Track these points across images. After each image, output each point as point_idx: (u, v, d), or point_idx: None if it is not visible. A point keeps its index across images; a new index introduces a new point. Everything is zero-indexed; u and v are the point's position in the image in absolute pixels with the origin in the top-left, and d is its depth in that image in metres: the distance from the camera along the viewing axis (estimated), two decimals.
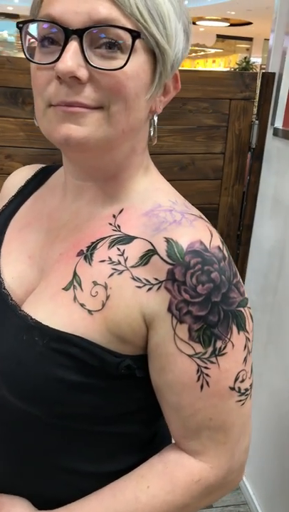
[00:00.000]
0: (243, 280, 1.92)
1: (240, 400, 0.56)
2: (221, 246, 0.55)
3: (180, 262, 0.52)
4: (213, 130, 1.73)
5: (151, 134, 0.64)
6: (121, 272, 0.55)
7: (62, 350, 0.55)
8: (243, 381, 0.56)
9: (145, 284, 0.54)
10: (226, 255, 0.55)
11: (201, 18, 7.61)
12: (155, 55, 0.56)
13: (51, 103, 0.54)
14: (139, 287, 0.54)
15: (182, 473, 0.56)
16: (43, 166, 0.81)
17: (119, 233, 0.58)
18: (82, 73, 0.52)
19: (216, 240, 0.55)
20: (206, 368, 0.53)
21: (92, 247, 0.59)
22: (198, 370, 0.53)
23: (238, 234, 1.88)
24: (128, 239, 0.57)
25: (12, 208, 0.73)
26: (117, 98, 0.53)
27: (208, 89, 1.68)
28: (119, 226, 0.59)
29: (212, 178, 1.79)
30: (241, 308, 0.55)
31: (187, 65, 11.88)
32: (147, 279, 0.53)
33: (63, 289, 0.58)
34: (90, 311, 0.56)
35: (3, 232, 0.71)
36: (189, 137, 1.72)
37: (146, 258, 0.54)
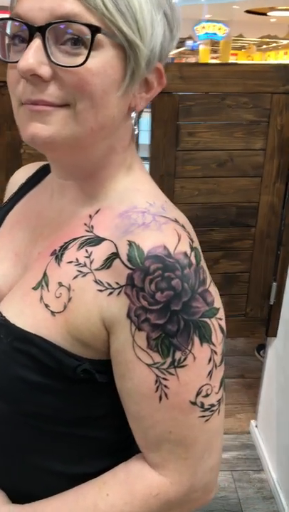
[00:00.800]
0: (283, 282, 1.84)
1: (204, 416, 0.52)
2: (188, 252, 0.52)
3: (139, 267, 0.50)
4: (253, 126, 1.67)
5: (135, 131, 0.62)
6: (85, 275, 0.55)
7: (24, 350, 0.56)
8: (206, 396, 0.52)
9: (107, 288, 0.52)
10: (193, 262, 0.51)
11: (272, 9, 7.33)
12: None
13: (21, 101, 0.54)
14: (100, 291, 0.53)
15: (142, 485, 0.55)
16: (46, 163, 0.81)
17: (91, 234, 0.57)
18: (44, 71, 0.51)
19: (183, 246, 0.52)
20: (164, 379, 0.51)
21: (64, 247, 0.58)
22: (156, 381, 0.51)
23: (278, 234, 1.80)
24: (97, 240, 0.56)
25: (10, 205, 0.75)
26: (82, 95, 0.52)
27: (249, 83, 1.62)
28: (92, 227, 0.58)
29: (252, 176, 1.73)
30: (206, 319, 0.51)
31: (257, 58, 11.48)
32: (109, 282, 0.52)
33: (33, 288, 0.59)
34: (53, 313, 0.56)
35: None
36: (228, 133, 1.68)
37: (109, 261, 0.53)
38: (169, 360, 0.50)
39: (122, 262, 0.51)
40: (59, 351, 0.55)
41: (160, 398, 0.51)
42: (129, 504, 0.54)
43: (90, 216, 0.59)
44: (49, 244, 0.62)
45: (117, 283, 0.52)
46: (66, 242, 0.59)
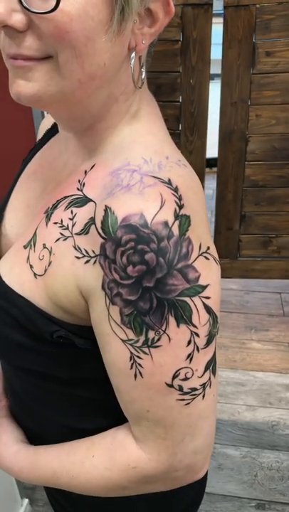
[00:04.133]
0: None
1: (183, 399, 0.49)
2: (169, 221, 0.45)
3: (111, 237, 0.45)
4: None
5: (142, 75, 0.53)
6: (66, 238, 0.51)
7: (6, 309, 0.55)
8: (186, 379, 0.48)
9: (84, 256, 0.48)
10: (175, 233, 0.45)
11: None
12: None
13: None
14: (77, 258, 0.50)
15: (122, 455, 0.55)
16: None
17: (79, 194, 0.52)
18: (16, 19, 0.43)
19: (165, 213, 0.45)
20: (138, 357, 0.48)
21: (55, 205, 0.55)
22: (131, 358, 0.48)
23: None
24: (84, 201, 0.51)
25: (33, 153, 0.71)
26: (62, 45, 0.44)
27: None
28: (84, 185, 0.52)
29: None
30: (185, 298, 0.46)
31: None
32: (87, 250, 0.49)
33: (23, 246, 0.57)
34: (35, 275, 0.54)
35: (19, 177, 0.70)
36: None
37: (87, 226, 0.48)
38: (142, 338, 0.47)
39: (97, 230, 0.47)
40: (38, 315, 0.53)
41: (135, 376, 0.48)
42: (109, 470, 0.55)
43: (85, 172, 0.53)
44: (48, 199, 0.58)
45: (93, 251, 0.47)
46: (58, 200, 0.54)
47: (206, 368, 0.50)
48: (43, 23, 0.43)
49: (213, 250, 0.50)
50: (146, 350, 0.47)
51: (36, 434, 0.68)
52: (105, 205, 0.47)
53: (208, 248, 0.49)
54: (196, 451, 0.53)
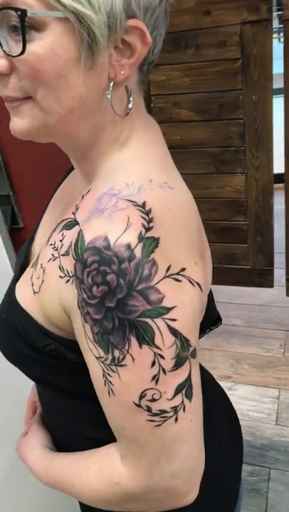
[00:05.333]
0: None
1: (153, 420, 0.49)
2: (132, 243, 0.46)
3: (79, 259, 0.47)
4: None
5: (130, 104, 0.56)
6: (55, 259, 0.54)
7: (13, 321, 0.60)
8: (153, 401, 0.47)
9: (65, 275, 0.51)
10: (137, 255, 0.45)
11: None
12: None
13: None
14: (61, 277, 0.52)
15: (108, 470, 0.55)
16: None
17: (72, 217, 0.55)
18: (0, 64, 0.49)
19: (129, 236, 0.46)
20: (108, 375, 0.49)
21: (54, 228, 0.58)
22: (103, 375, 0.49)
23: None
24: (73, 224, 0.54)
25: (62, 180, 0.77)
26: (37, 84, 0.49)
27: None
28: (78, 209, 0.56)
29: None
30: (146, 319, 0.46)
31: None
32: (68, 270, 0.51)
33: (31, 266, 0.62)
34: (34, 292, 0.58)
35: (50, 200, 0.76)
36: None
37: (69, 248, 0.51)
38: (109, 356, 0.48)
39: (72, 251, 0.49)
40: (35, 328, 0.57)
41: (108, 393, 0.50)
42: (98, 483, 0.56)
43: (82, 197, 0.57)
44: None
45: (71, 272, 0.50)
46: (58, 224, 0.58)
47: (177, 391, 0.49)
48: (20, 65, 0.49)
49: (192, 272, 0.49)
50: (114, 368, 0.48)
51: (60, 442, 0.72)
52: (79, 229, 0.50)
53: (183, 270, 0.49)
54: (174, 474, 0.52)
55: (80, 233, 0.48)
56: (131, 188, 0.50)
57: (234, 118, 1.69)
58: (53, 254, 0.55)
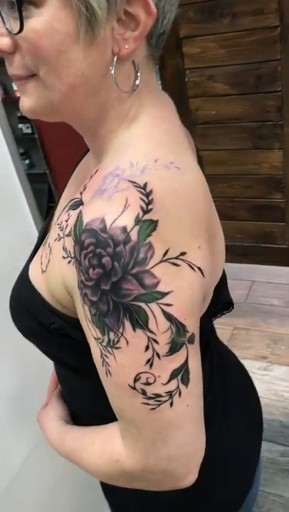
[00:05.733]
0: None
1: (148, 404, 0.49)
2: (128, 226, 0.45)
3: (78, 240, 0.47)
4: None
5: (138, 80, 0.54)
6: (59, 239, 0.55)
7: (24, 298, 0.61)
8: (148, 384, 0.48)
9: (68, 256, 0.52)
10: (133, 238, 0.45)
11: None
12: None
13: None
14: (64, 258, 0.53)
15: (109, 447, 0.57)
16: None
17: (79, 197, 0.55)
18: (3, 43, 0.49)
19: (125, 218, 0.45)
20: (106, 356, 0.50)
21: (63, 208, 0.59)
22: (101, 355, 0.50)
23: None
24: (78, 204, 0.54)
25: (82, 157, 0.76)
26: (38, 61, 0.48)
27: None
28: (85, 189, 0.55)
29: None
30: (140, 303, 0.46)
31: None
32: (70, 251, 0.52)
33: (43, 244, 0.63)
34: (42, 271, 0.59)
35: (69, 179, 0.75)
36: None
37: (71, 229, 0.51)
38: (106, 338, 0.48)
39: (72, 233, 0.49)
40: (43, 306, 0.57)
41: (106, 374, 0.50)
42: (100, 459, 0.58)
43: (91, 177, 0.56)
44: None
45: (73, 252, 0.50)
46: (67, 204, 0.58)
47: (173, 376, 0.49)
48: (22, 43, 0.48)
49: (194, 256, 0.48)
50: (110, 350, 0.49)
51: (74, 415, 0.74)
52: (80, 211, 0.50)
53: (183, 254, 0.48)
54: (170, 458, 0.53)
55: (80, 214, 0.48)
56: (135, 167, 0.49)
57: (272, 91, 1.61)
58: (58, 234, 0.55)
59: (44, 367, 0.79)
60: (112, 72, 0.50)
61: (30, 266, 0.63)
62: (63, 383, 0.73)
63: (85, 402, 0.68)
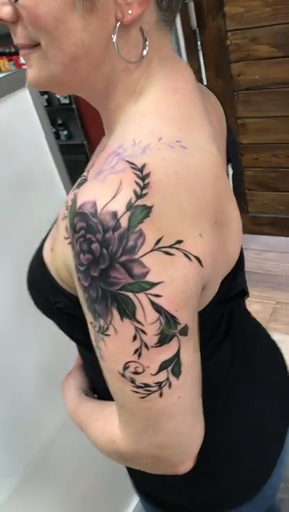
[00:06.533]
0: None
1: (137, 392, 0.49)
2: (119, 211, 0.43)
3: (71, 224, 0.46)
4: None
5: (146, 48, 0.49)
6: (64, 218, 0.54)
7: (36, 275, 0.61)
8: (136, 373, 0.48)
9: (68, 237, 0.50)
10: (123, 225, 0.43)
11: None
12: None
13: None
14: (65, 238, 0.52)
15: (109, 427, 0.58)
16: None
17: (85, 175, 0.53)
18: (4, 12, 0.47)
19: (117, 203, 0.43)
20: (98, 340, 0.49)
21: (75, 185, 0.56)
22: (95, 339, 0.49)
23: None
24: (83, 182, 0.52)
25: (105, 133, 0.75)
26: (38, 30, 0.46)
27: None
28: (92, 166, 0.53)
29: None
30: (128, 293, 0.44)
31: None
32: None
33: (55, 222, 0.62)
34: (51, 249, 0.59)
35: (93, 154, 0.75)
36: None
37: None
38: (97, 324, 0.48)
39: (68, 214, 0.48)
40: (51, 284, 0.57)
41: (100, 358, 0.50)
42: (101, 437, 0.59)
43: (100, 153, 0.54)
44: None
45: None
46: (77, 181, 0.56)
47: (162, 368, 0.48)
48: (22, 12, 0.47)
49: (192, 244, 0.46)
50: (101, 335, 0.48)
51: (93, 388, 0.76)
52: (75, 192, 0.47)
53: (179, 242, 0.45)
54: (161, 446, 0.52)
55: (75, 197, 0.46)
56: (136, 146, 0.46)
57: None
58: (64, 213, 0.54)
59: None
60: (114, 40, 0.47)
61: (45, 244, 0.62)
62: (82, 357, 0.76)
63: (97, 376, 0.70)
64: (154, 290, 0.44)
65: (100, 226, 0.43)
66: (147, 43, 0.49)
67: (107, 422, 0.59)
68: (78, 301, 0.53)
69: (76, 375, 0.77)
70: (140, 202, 0.43)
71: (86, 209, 0.43)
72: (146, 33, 0.48)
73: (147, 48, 0.49)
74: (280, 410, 0.76)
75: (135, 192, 0.43)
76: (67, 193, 1.04)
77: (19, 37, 0.49)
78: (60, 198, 0.94)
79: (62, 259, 0.54)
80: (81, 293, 0.49)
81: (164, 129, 0.48)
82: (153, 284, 0.43)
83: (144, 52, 0.49)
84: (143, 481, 0.75)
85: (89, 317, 0.49)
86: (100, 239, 0.43)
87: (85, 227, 0.43)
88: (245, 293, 0.63)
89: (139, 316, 0.44)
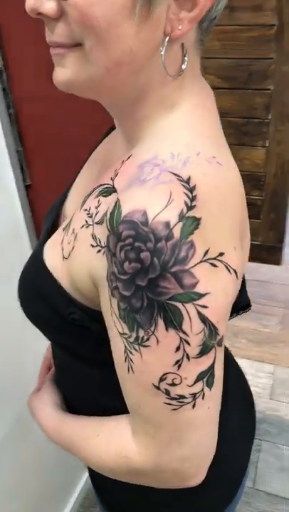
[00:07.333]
0: None
1: (170, 404, 0.48)
2: (171, 221, 0.43)
3: (114, 231, 0.45)
4: None
5: (184, 64, 0.51)
6: (88, 226, 0.52)
7: (39, 286, 0.57)
8: (173, 385, 0.47)
9: (97, 245, 0.50)
10: (176, 235, 0.43)
11: None
12: None
13: None
14: (92, 246, 0.50)
15: (117, 442, 0.56)
16: None
17: (110, 183, 0.52)
18: (48, 7, 0.45)
19: (169, 213, 0.43)
20: (130, 352, 0.48)
21: (90, 193, 0.56)
22: (125, 351, 0.48)
23: None
24: (110, 191, 0.51)
25: (100, 141, 0.74)
26: (86, 32, 0.45)
27: None
28: (117, 175, 0.52)
29: None
30: (177, 303, 0.44)
31: None
32: (100, 239, 0.49)
33: (62, 228, 0.59)
34: (63, 257, 0.56)
35: (85, 162, 0.72)
36: None
37: (103, 217, 0.49)
38: (134, 335, 0.47)
39: (106, 221, 0.47)
40: (61, 295, 0.55)
41: (128, 370, 0.49)
42: (105, 453, 0.57)
43: (123, 162, 0.53)
44: (92, 187, 0.59)
45: (104, 242, 0.48)
46: (95, 188, 0.55)
47: (199, 379, 0.48)
48: (70, 9, 0.44)
49: (231, 258, 0.47)
50: (136, 347, 0.47)
51: (69, 404, 0.72)
52: (117, 198, 0.46)
53: (221, 254, 0.46)
54: (184, 458, 0.52)
55: (118, 203, 0.45)
56: (176, 159, 0.47)
57: (261, 88, 1.65)
58: (86, 221, 0.53)
59: (24, 347, 0.81)
60: (162, 53, 0.48)
61: (47, 250, 0.59)
62: (63, 369, 0.71)
63: (90, 391, 0.67)
64: (202, 301, 0.44)
65: (151, 235, 0.42)
66: (186, 58, 0.50)
67: (112, 438, 0.57)
68: (93, 314, 0.53)
69: (50, 391, 0.73)
70: (191, 213, 0.44)
71: (135, 217, 0.43)
72: (186, 49, 0.50)
73: (186, 64, 0.50)
74: (247, 437, 0.80)
75: (186, 203, 0.44)
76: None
77: (59, 35, 0.47)
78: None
79: (85, 269, 0.52)
80: (114, 303, 0.47)
81: (199, 144, 0.50)
82: (201, 295, 0.44)
83: (183, 67, 0.50)
84: (114, 496, 0.73)
85: (121, 328, 0.47)
86: (152, 248, 0.43)
87: (133, 235, 0.43)
88: (249, 306, 0.66)
89: (185, 326, 0.44)
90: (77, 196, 0.68)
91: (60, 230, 0.60)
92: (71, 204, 0.69)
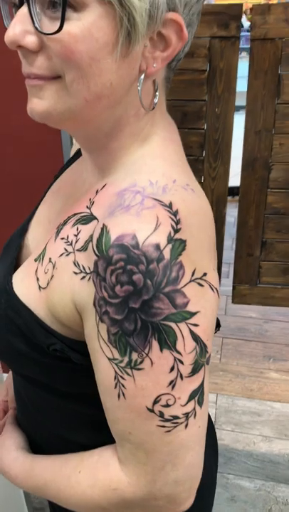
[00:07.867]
0: None
1: (164, 426, 0.48)
2: (161, 244, 0.45)
3: (103, 255, 0.46)
4: None
5: (156, 99, 0.56)
6: (68, 254, 0.53)
7: (12, 318, 0.57)
8: (167, 406, 0.47)
9: (81, 272, 0.50)
10: (166, 256, 0.45)
11: None
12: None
13: None
14: (75, 273, 0.51)
15: (104, 475, 0.55)
16: None
17: (87, 211, 0.54)
18: (29, 41, 0.46)
19: (158, 236, 0.45)
20: (122, 377, 0.48)
21: (65, 221, 0.57)
22: (115, 377, 0.48)
23: None
24: (89, 219, 0.53)
25: (61, 171, 0.75)
26: (68, 65, 0.47)
27: None
28: (93, 203, 0.54)
29: None
30: (170, 323, 0.45)
31: None
32: (84, 266, 0.50)
33: (34, 259, 0.59)
34: (40, 287, 0.56)
35: (46, 192, 0.73)
36: None
37: (87, 243, 0.50)
38: (126, 359, 0.47)
39: (92, 247, 0.48)
40: (38, 326, 0.54)
41: (118, 396, 0.49)
42: (91, 488, 0.55)
43: (97, 191, 0.56)
44: (64, 216, 0.59)
45: (89, 268, 0.48)
46: (69, 217, 0.56)
47: (191, 398, 0.48)
48: (52, 44, 0.45)
49: (212, 278, 0.49)
50: (129, 371, 0.47)
51: (37, 443, 0.69)
52: (103, 224, 0.47)
53: (205, 274, 0.48)
54: (178, 481, 0.51)
55: (105, 229, 0.46)
56: (155, 186, 0.52)
57: (196, 128, 1.72)
58: (66, 249, 0.53)
59: None
60: (140, 88, 0.52)
61: (16, 282, 0.58)
62: (30, 406, 0.69)
63: (58, 426, 0.66)
64: (193, 319, 0.48)
65: (142, 257, 0.45)
66: (157, 93, 0.55)
67: (98, 471, 0.55)
68: (72, 344, 0.53)
69: (12, 434, 0.70)
70: (178, 236, 0.48)
71: (125, 241, 0.46)
72: (158, 85, 0.54)
73: (157, 99, 0.55)
74: (215, 453, 0.82)
75: (172, 226, 0.48)
76: None
77: (38, 67, 0.48)
78: None
79: (68, 297, 0.51)
80: (103, 329, 0.46)
81: (174, 173, 0.55)
82: (192, 314, 0.48)
83: (155, 101, 0.55)
84: None
85: (111, 353, 0.47)
86: (144, 270, 0.45)
87: (125, 258, 0.45)
88: (219, 325, 0.70)
89: (179, 346, 0.48)
90: (41, 228, 0.66)
91: (30, 261, 0.58)
92: (34, 234, 0.67)
